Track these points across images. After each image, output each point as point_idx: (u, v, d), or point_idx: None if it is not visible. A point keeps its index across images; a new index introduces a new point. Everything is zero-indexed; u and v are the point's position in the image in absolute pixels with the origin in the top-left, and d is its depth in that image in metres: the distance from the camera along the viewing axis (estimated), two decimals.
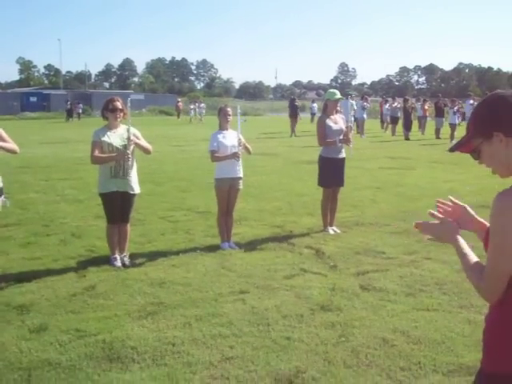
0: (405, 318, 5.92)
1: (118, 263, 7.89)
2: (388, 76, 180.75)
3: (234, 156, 8.56)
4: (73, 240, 9.31)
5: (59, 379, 4.72)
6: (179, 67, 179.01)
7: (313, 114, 45.75)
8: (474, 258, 2.46)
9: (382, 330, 5.63)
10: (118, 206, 7.91)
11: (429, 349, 5.20)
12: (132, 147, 7.77)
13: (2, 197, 7.33)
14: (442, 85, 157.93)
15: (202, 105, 57.21)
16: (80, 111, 59.40)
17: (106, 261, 7.97)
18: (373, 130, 35.09)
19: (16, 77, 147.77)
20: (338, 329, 5.66)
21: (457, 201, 2.69)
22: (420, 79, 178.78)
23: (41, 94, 76.72)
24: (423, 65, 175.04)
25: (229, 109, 8.95)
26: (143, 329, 5.68)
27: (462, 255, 2.49)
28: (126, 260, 8.02)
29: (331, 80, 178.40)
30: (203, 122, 47.35)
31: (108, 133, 7.82)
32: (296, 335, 5.51)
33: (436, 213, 2.65)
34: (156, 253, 8.49)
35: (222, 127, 8.84)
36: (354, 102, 32.76)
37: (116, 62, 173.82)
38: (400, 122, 33.37)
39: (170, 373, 4.79)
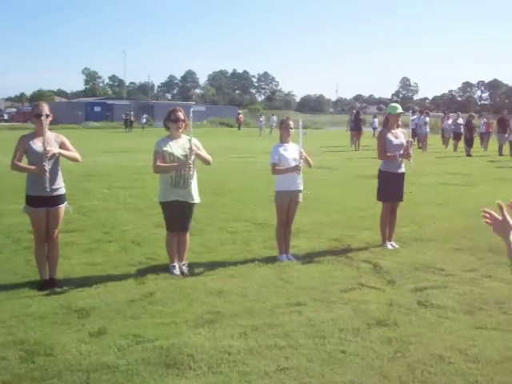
0: (462, 336, 5.83)
1: (177, 272, 7.99)
2: (450, 91, 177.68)
3: (296, 169, 8.59)
4: (133, 247, 9.48)
5: (117, 382, 4.80)
6: (240, 79, 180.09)
7: (374, 129, 45.49)
8: None
9: (439, 347, 5.56)
10: (177, 215, 8.01)
11: (486, 368, 5.10)
12: (193, 157, 7.86)
13: (65, 203, 7.53)
14: (506, 101, 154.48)
15: (274, 117, 56.24)
16: (144, 121, 60.37)
17: (165, 269, 8.08)
18: (434, 146, 34.64)
19: (81, 87, 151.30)
20: (394, 344, 5.62)
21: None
22: (483, 95, 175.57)
23: (105, 104, 78.46)
24: (487, 80, 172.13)
25: (291, 122, 8.99)
26: (200, 337, 5.74)
27: None
28: (185, 269, 8.11)
29: (393, 94, 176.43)
30: (273, 134, 46.87)
31: (170, 143, 7.93)
32: (351, 349, 5.49)
33: (504, 205, 2.66)
34: (214, 263, 8.56)
35: (284, 140, 8.88)
36: (415, 117, 32.40)
37: (178, 74, 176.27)
38: (462, 138, 32.90)
39: (226, 381, 4.82)
